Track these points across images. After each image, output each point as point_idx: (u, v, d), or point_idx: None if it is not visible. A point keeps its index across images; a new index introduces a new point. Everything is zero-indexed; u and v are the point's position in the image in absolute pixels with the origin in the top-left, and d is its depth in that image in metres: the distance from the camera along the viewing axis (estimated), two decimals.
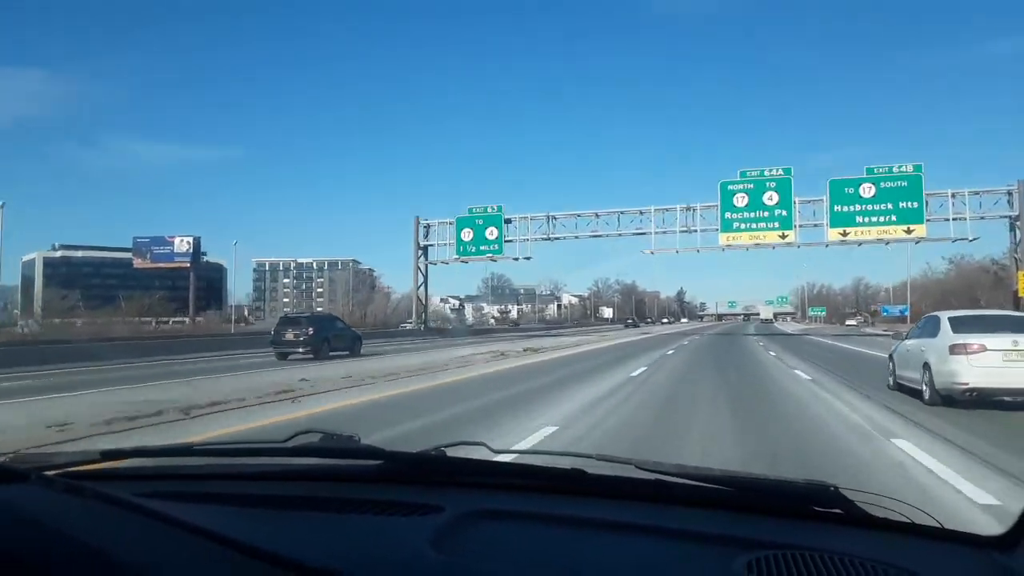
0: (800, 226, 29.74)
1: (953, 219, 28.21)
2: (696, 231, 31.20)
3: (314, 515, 1.01)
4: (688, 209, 31.40)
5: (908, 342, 8.60)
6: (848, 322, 72.10)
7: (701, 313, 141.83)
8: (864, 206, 28.83)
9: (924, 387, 7.25)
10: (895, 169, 28.49)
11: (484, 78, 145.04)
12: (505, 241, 34.57)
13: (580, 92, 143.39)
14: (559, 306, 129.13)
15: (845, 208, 28.82)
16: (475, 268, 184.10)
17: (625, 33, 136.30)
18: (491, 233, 34.36)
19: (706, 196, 32.62)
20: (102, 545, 0.64)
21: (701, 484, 1.07)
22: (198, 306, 62.63)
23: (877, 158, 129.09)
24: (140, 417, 6.59)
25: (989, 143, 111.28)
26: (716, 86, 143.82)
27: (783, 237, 29.66)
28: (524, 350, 19.86)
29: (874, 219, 28.73)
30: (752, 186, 30.18)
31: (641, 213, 32.49)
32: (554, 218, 34.14)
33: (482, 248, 34.63)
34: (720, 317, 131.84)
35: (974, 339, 6.65)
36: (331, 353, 18.72)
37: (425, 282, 36.85)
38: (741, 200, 29.81)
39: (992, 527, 3.50)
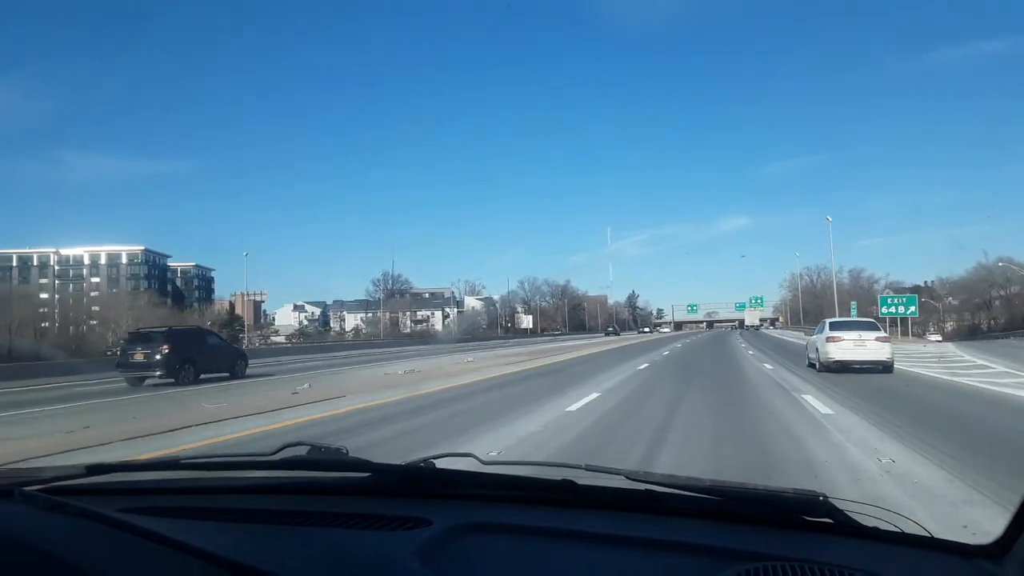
0: None
1: None
2: None
3: (300, 529, 1.30)
4: None
5: (812, 337, 19.46)
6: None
7: (658, 321, 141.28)
8: None
9: (816, 362, 17.35)
10: None
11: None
12: None
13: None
14: (459, 311, 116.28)
15: None
16: (370, 267, 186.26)
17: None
18: None
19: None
20: (85, 563, 0.83)
21: (691, 494, 1.35)
22: None
23: (826, 166, 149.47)
24: None
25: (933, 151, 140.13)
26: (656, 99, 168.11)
27: None
28: None
29: None
30: None
31: None
32: None
33: None
34: (679, 326, 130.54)
35: (838, 334, 16.67)
36: (203, 376, 19.36)
37: None
38: None
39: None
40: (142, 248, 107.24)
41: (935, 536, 1.29)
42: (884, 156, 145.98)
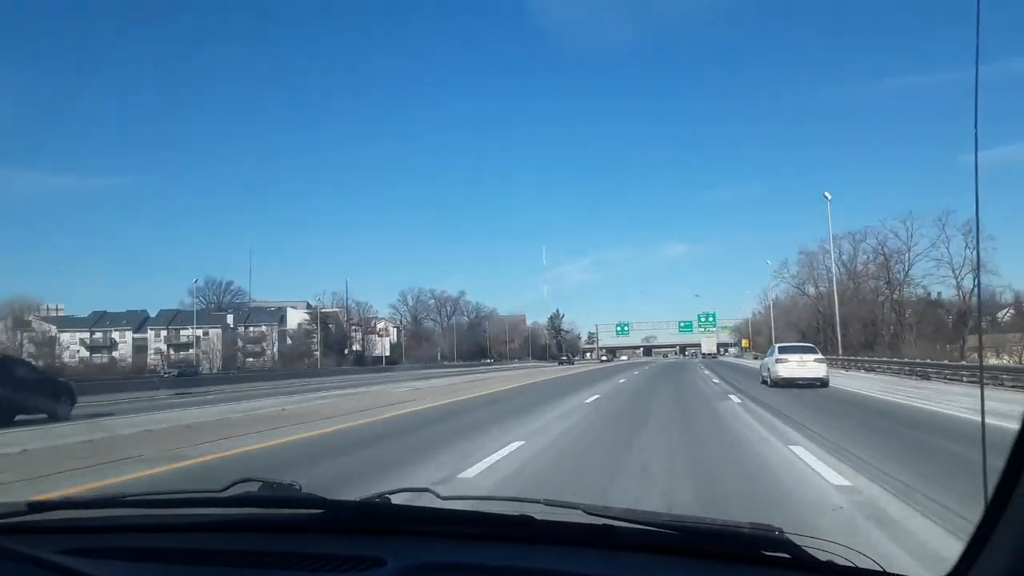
0: None
1: None
2: None
3: (251, 572, 1.33)
4: None
5: (764, 359, 26.92)
6: None
7: (587, 347, 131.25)
8: None
9: (768, 379, 24.15)
10: None
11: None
12: None
13: None
14: (282, 329, 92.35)
15: None
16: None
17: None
18: None
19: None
20: None
21: (649, 528, 1.43)
22: None
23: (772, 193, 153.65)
24: None
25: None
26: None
27: None
28: None
29: None
30: None
31: None
32: None
33: None
34: (613, 353, 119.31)
35: (785, 356, 23.52)
36: (18, 418, 17.08)
37: None
38: None
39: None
40: None
41: (888, 571, 1.39)
42: (826, 184, 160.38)
